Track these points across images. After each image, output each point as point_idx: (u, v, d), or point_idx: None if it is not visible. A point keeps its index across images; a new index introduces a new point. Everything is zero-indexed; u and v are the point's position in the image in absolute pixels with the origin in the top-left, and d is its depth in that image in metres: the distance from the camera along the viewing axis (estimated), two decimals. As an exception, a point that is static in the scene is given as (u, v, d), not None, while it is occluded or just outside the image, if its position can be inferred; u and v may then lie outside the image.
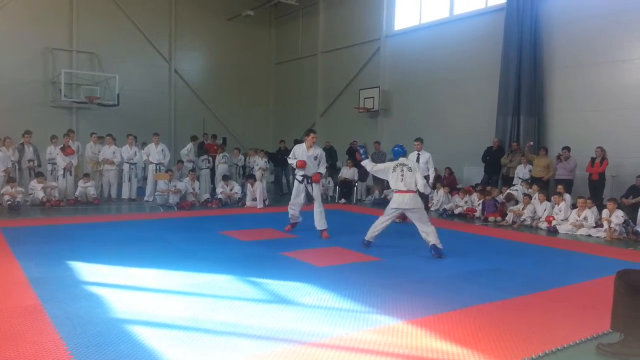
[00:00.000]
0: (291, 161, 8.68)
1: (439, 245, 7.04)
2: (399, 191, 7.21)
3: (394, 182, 7.25)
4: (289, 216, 8.90)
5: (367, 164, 7.74)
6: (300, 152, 8.55)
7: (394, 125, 16.94)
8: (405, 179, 7.15)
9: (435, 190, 12.46)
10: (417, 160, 10.00)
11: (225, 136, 20.06)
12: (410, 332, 4.05)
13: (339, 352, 3.62)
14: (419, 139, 10.40)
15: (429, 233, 7.11)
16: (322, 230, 8.43)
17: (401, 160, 7.37)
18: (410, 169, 7.21)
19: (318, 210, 8.44)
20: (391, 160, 7.88)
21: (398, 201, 7.23)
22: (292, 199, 8.77)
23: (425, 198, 10.01)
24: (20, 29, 16.87)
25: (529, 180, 11.59)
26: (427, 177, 9.82)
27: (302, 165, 8.42)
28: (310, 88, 20.46)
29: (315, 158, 8.52)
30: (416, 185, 7.21)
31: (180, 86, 20.50)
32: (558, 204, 10.18)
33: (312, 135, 8.60)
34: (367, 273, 6.04)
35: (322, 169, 8.65)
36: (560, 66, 12.41)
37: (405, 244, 8.18)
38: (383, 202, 13.77)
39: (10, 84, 16.58)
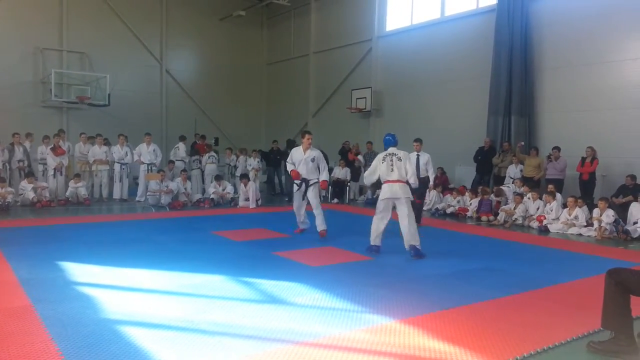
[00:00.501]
0: (289, 167, 8.52)
1: (419, 246, 6.93)
2: (389, 181, 7.00)
3: (384, 173, 7.06)
4: (297, 222, 8.80)
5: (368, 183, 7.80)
6: (297, 156, 8.41)
7: (386, 126, 16.93)
8: (395, 169, 6.99)
9: (428, 190, 12.50)
10: (417, 161, 9.67)
11: (217, 136, 20.02)
12: (403, 331, 4.05)
13: (332, 351, 3.62)
14: (418, 140, 10.00)
15: (410, 226, 6.90)
16: (321, 230, 8.34)
17: (391, 150, 7.18)
18: (400, 159, 7.04)
19: (317, 214, 8.32)
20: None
21: (386, 191, 7.02)
22: (294, 205, 8.69)
23: (421, 197, 9.92)
24: (10, 29, 16.73)
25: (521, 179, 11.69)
26: (427, 179, 9.80)
27: (297, 176, 8.30)
28: (302, 88, 20.46)
29: (313, 160, 8.36)
30: (406, 175, 7.04)
31: (171, 86, 20.43)
32: (549, 203, 10.25)
33: (307, 136, 8.39)
34: (359, 272, 6.04)
35: (325, 175, 8.44)
36: (550, 67, 12.49)
37: (397, 243, 8.20)
38: (375, 202, 13.79)
39: (0, 84, 16.45)
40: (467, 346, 3.75)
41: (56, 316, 4.17)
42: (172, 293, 5.02)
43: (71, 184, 12.06)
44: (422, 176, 9.56)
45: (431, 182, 10.17)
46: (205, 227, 9.31)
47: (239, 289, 5.21)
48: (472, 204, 11.65)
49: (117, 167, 12.97)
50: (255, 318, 4.28)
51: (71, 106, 17.81)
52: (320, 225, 8.33)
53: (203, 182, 14.39)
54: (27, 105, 17.03)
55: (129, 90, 18.73)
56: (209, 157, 14.48)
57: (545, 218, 10.04)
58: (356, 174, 14.71)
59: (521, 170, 11.90)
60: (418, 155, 9.81)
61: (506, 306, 4.80)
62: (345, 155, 15.16)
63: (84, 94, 17.23)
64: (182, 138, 14.93)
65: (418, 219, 9.13)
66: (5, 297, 4.75)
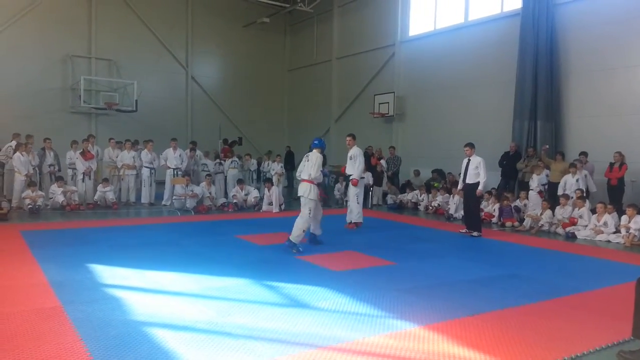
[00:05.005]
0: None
1: (295, 241, 7.50)
2: (302, 180, 7.97)
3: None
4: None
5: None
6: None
7: (409, 130, 16.92)
8: (303, 169, 7.88)
9: (452, 196, 12.38)
10: (467, 166, 9.49)
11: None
12: (427, 337, 4.04)
13: (355, 356, 3.62)
14: (469, 144, 9.57)
15: (297, 222, 7.61)
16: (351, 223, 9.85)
17: (308, 153, 8.14)
18: (308, 160, 7.88)
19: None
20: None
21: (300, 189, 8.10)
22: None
23: (475, 205, 9.60)
24: (41, 37, 17.25)
25: (546, 186, 11.51)
26: (477, 184, 9.32)
27: (343, 170, 10.07)
28: (325, 94, 20.54)
29: (350, 158, 9.87)
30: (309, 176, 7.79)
31: (196, 92, 20.76)
32: (579, 208, 10.04)
33: (347, 138, 10.16)
34: (382, 277, 6.03)
35: (357, 172, 9.82)
36: (576, 71, 12.28)
37: (420, 248, 8.17)
38: (398, 208, 13.74)
39: (32, 90, 16.99)
40: (492, 354, 3.72)
41: (85, 317, 4.27)
42: (198, 296, 5.09)
43: (99, 188, 12.31)
44: (470, 182, 9.41)
45: (480, 188, 9.34)
46: (229, 230, 9.39)
47: (263, 292, 5.25)
48: (494, 210, 11.49)
49: (145, 171, 13.17)
50: (279, 321, 4.32)
51: (99, 112, 18.23)
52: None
53: (226, 187, 14.51)
54: (56, 111, 17.52)
55: (156, 97, 19.12)
56: (231, 162, 14.63)
57: (569, 225, 9.85)
58: (379, 179, 14.67)
59: (547, 176, 11.71)
60: (469, 160, 9.58)
61: (532, 314, 4.73)
62: (368, 160, 15.12)
63: (112, 100, 17.61)
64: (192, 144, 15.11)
65: (478, 227, 9.47)
66: (36, 298, 4.88)
